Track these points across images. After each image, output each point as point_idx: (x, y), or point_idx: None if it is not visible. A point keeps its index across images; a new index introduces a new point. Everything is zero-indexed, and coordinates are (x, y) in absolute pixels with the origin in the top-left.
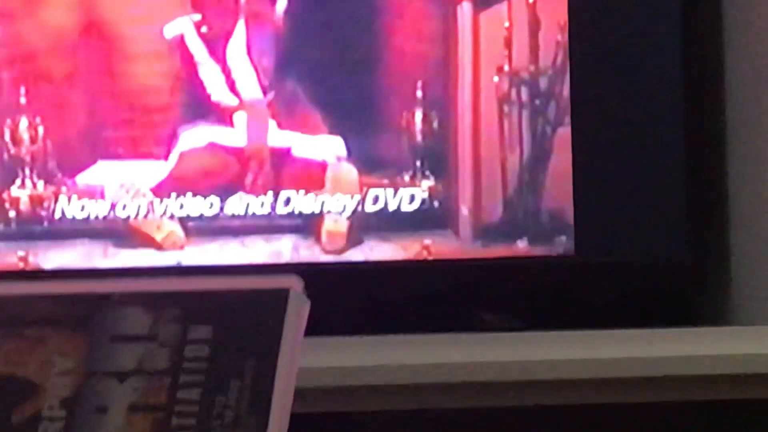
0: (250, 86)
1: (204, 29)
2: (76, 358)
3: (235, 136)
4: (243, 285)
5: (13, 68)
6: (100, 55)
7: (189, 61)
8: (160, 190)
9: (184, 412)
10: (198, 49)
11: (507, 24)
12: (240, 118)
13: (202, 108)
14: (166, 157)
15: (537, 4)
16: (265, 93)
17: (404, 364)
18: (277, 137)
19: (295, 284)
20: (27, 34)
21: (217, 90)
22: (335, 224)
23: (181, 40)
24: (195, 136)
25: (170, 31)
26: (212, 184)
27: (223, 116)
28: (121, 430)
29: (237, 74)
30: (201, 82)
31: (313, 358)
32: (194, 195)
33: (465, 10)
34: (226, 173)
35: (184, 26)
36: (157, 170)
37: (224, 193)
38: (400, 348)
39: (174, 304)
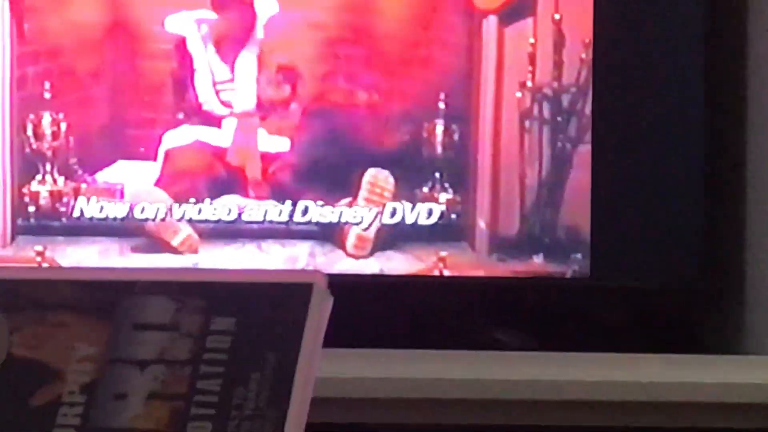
0: (247, 96)
1: (212, 31)
2: (97, 344)
3: (222, 137)
4: (267, 278)
5: (39, 63)
6: (124, 53)
7: (189, 64)
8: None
9: (204, 402)
10: (199, 52)
11: (532, 40)
12: (229, 124)
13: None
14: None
15: (563, 20)
16: (260, 104)
17: (416, 378)
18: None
19: (319, 279)
20: (53, 30)
21: (208, 96)
22: (365, 231)
23: (182, 41)
24: (181, 135)
25: (172, 26)
26: (203, 184)
27: (214, 121)
28: (140, 417)
29: (239, 82)
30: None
31: (326, 368)
32: (189, 196)
33: (490, 24)
34: (216, 175)
35: (186, 26)
36: (153, 170)
37: (217, 195)
38: (412, 362)
39: (197, 295)
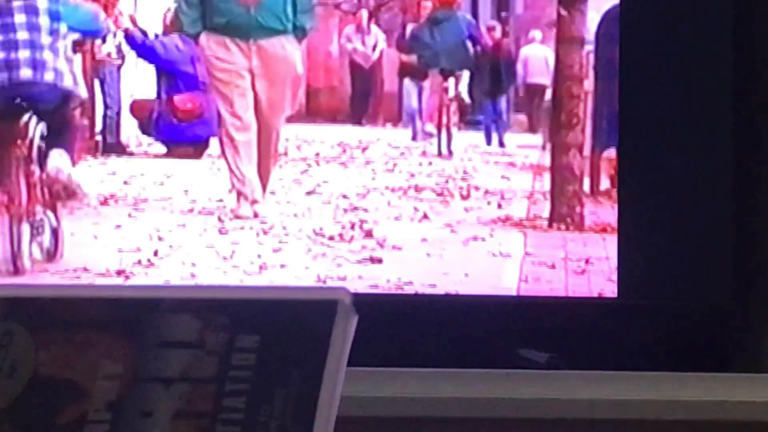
0: None
1: None
2: (122, 362)
3: None
4: (291, 295)
5: None
6: None
7: None
8: None
9: (229, 419)
10: None
11: None
12: None
13: None
14: None
15: None
16: None
17: (444, 398)
18: None
19: (343, 296)
20: None
21: None
22: None
23: None
24: None
25: None
26: None
27: None
28: None
29: None
30: None
31: (351, 387)
32: None
33: None
34: None
35: None
36: None
37: None
38: (439, 381)
39: (222, 313)
